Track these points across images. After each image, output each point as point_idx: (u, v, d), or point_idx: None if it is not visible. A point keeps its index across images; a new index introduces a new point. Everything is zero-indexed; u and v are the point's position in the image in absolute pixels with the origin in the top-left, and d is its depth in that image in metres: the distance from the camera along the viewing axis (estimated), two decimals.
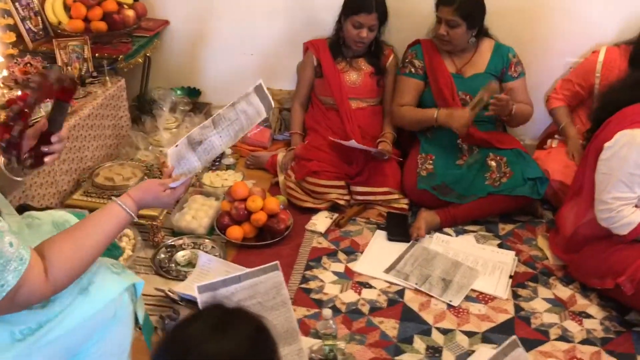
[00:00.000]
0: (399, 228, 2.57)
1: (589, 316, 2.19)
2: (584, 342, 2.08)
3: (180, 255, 2.41)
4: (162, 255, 2.41)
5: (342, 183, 2.73)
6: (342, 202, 2.70)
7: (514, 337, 1.50)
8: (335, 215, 2.67)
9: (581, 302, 2.25)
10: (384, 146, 2.78)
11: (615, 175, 2.10)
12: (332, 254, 2.47)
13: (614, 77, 2.56)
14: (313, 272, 2.36)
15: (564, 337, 2.09)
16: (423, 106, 2.81)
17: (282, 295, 1.78)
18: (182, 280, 2.28)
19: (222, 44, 3.25)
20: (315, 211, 2.69)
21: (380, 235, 2.57)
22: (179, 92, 3.23)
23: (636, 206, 2.10)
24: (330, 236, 2.57)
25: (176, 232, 2.54)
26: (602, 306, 2.23)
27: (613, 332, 2.12)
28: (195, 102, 3.25)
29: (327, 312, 1.96)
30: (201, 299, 1.73)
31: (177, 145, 1.76)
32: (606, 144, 2.14)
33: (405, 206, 2.69)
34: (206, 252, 2.40)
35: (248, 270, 1.79)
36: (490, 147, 2.71)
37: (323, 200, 2.70)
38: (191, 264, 2.36)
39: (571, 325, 2.15)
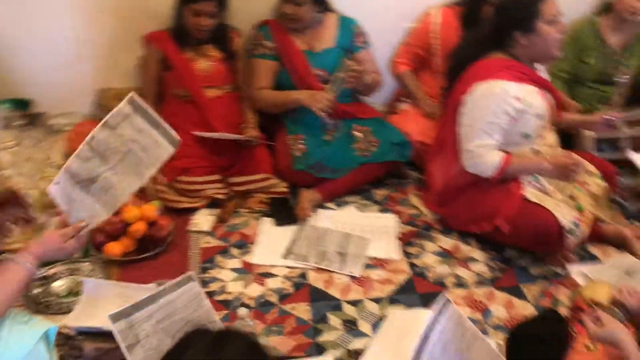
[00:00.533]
0: (284, 212, 2.56)
1: (474, 260, 2.38)
2: (477, 285, 2.25)
3: (57, 286, 2.16)
4: (36, 290, 2.14)
5: (216, 177, 2.63)
6: (220, 196, 2.61)
7: (445, 296, 1.58)
8: (216, 210, 2.58)
9: (464, 249, 2.43)
10: (251, 132, 2.72)
11: (476, 126, 2.27)
12: (224, 251, 2.38)
13: (454, 36, 2.74)
14: (210, 274, 2.27)
15: (460, 284, 2.25)
16: (280, 87, 2.80)
17: (204, 306, 1.69)
18: (68, 312, 2.05)
19: (47, 46, 2.90)
20: (193, 211, 2.57)
21: (267, 222, 2.53)
22: (5, 105, 2.86)
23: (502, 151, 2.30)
24: (217, 233, 2.48)
25: (45, 262, 2.27)
26: (482, 249, 2.43)
27: (497, 270, 2.33)
28: (28, 115, 2.90)
29: (242, 311, 1.89)
30: (116, 328, 1.59)
31: (58, 183, 1.57)
32: (465, 97, 2.29)
33: (285, 189, 2.67)
34: (86, 276, 2.19)
35: (160, 288, 1.68)
36: (353, 119, 2.79)
37: (200, 197, 2.59)
38: (73, 292, 2.14)
39: (462, 272, 2.31)
